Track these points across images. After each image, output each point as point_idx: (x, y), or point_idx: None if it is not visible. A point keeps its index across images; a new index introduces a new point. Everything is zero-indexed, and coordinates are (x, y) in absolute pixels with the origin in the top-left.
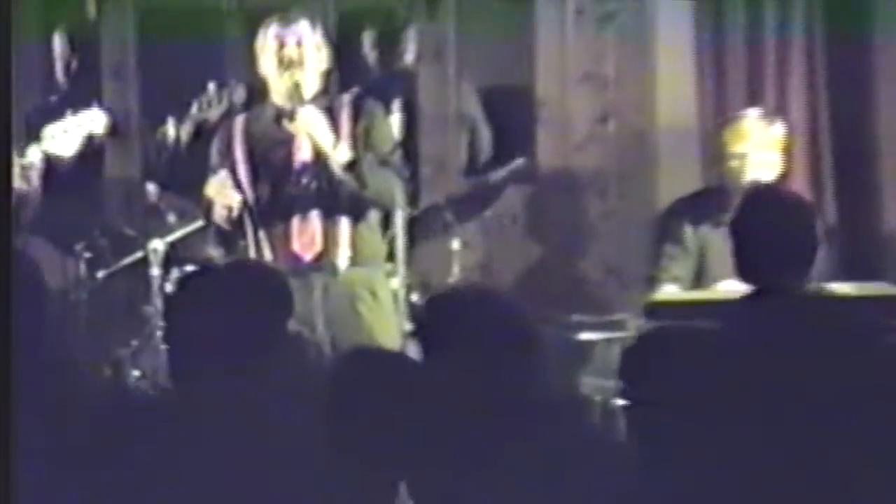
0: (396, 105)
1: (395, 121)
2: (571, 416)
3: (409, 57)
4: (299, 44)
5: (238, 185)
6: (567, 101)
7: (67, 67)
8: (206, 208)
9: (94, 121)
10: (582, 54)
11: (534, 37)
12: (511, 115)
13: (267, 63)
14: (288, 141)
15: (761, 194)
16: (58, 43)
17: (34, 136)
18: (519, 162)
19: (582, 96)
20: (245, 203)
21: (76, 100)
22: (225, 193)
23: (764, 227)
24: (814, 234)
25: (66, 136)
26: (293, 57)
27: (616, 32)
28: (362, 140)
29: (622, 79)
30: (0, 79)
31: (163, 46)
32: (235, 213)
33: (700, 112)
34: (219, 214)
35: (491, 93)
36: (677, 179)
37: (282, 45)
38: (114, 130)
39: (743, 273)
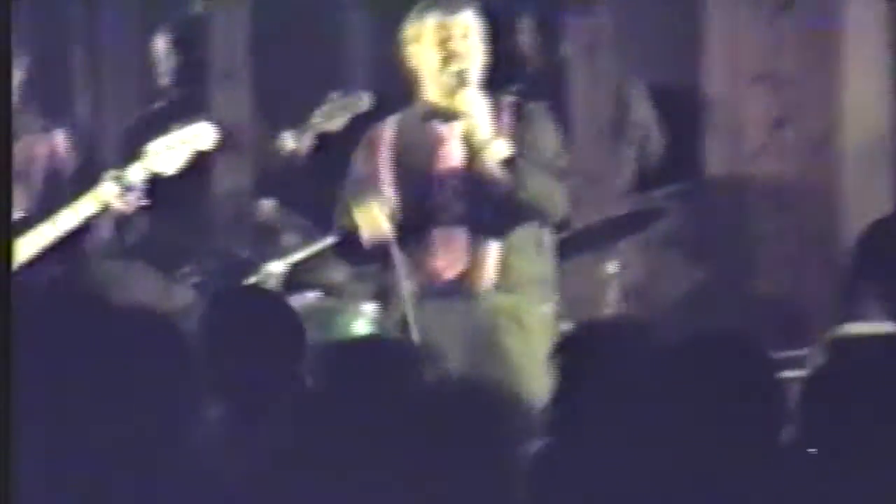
0: (550, 106)
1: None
2: (743, 464)
3: (567, 50)
4: (465, 35)
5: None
6: (739, 104)
7: (171, 71)
8: (348, 232)
9: (201, 136)
10: (756, 49)
11: (701, 29)
12: (674, 119)
13: (424, 55)
14: (437, 145)
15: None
16: (161, 43)
17: (134, 146)
18: (688, 181)
19: (756, 98)
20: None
21: (182, 107)
22: (376, 225)
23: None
24: None
25: (171, 152)
26: (459, 50)
27: (795, 23)
28: (524, 144)
29: (802, 77)
30: (0, 76)
31: (279, 46)
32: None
33: (894, 116)
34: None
35: (651, 93)
36: (866, 195)
37: (446, 37)
38: (223, 146)
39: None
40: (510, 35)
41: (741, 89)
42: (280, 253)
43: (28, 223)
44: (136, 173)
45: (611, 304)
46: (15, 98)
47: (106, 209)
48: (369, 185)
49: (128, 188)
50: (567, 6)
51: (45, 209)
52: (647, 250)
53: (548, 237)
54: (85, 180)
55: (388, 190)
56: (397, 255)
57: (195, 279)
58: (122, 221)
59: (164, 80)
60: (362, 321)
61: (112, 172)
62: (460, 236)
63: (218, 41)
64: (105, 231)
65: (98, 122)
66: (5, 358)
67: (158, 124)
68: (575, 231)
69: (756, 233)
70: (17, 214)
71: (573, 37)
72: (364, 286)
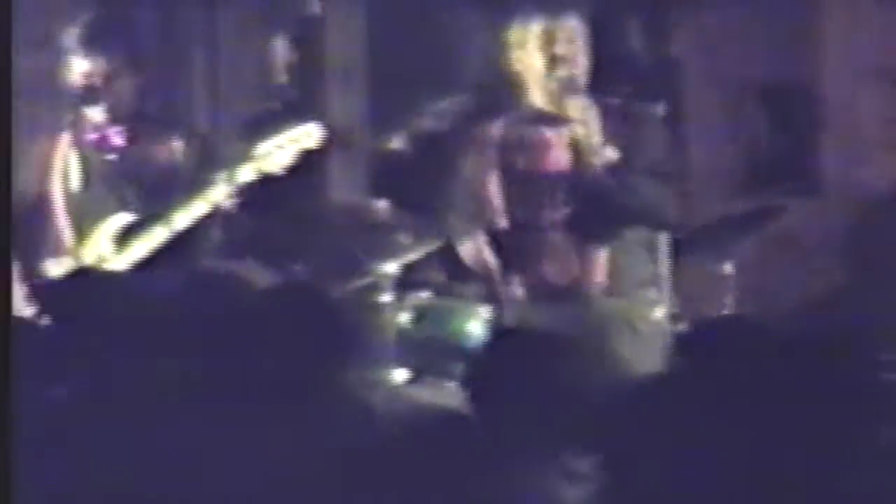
0: (660, 107)
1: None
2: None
3: (675, 49)
4: (571, 40)
5: (492, 238)
6: (856, 100)
7: (287, 71)
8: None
9: (309, 135)
10: (874, 44)
11: (817, 24)
12: (789, 117)
13: (529, 60)
14: (544, 149)
15: None
16: (277, 43)
17: (249, 144)
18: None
19: (874, 94)
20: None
21: (297, 106)
22: (481, 262)
23: None
24: None
25: (280, 151)
26: (565, 55)
27: None
28: (632, 148)
29: None
30: (0, 79)
31: (395, 46)
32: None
33: None
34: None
35: (766, 91)
36: None
37: (551, 42)
38: (333, 144)
39: None
40: (618, 36)
41: (859, 86)
42: (393, 253)
43: (143, 225)
44: (246, 174)
45: (727, 305)
46: (134, 98)
47: (217, 210)
48: (476, 190)
49: (238, 189)
50: (677, 4)
51: (160, 210)
52: (764, 250)
53: (661, 239)
54: (201, 181)
55: (495, 193)
56: (503, 291)
57: (307, 279)
58: (232, 221)
59: (280, 79)
60: (476, 321)
61: (223, 174)
62: (570, 242)
63: (334, 41)
64: (216, 231)
65: (216, 124)
66: (5, 358)
67: (273, 123)
68: (690, 231)
69: (873, 231)
70: (131, 216)
71: (683, 35)
72: (475, 287)
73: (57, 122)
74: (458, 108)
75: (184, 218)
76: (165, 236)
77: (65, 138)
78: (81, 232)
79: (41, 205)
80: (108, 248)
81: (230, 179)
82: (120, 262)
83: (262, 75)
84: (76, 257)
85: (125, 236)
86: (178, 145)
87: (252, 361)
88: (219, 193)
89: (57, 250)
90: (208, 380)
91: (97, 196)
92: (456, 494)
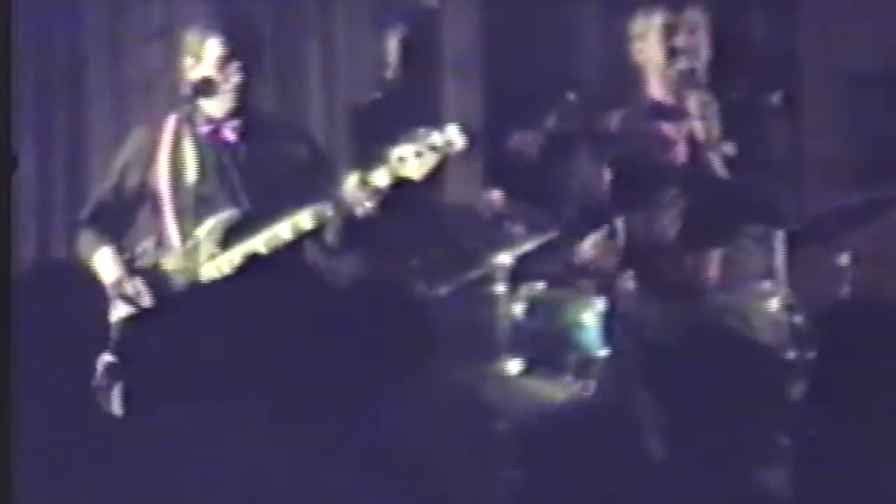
0: (776, 98)
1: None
2: None
3: (795, 41)
4: (692, 31)
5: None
6: None
7: (399, 65)
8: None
9: (450, 143)
10: None
11: None
12: None
13: (649, 51)
14: (663, 143)
15: None
16: (393, 36)
17: (358, 137)
18: None
19: None
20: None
21: (411, 103)
22: (607, 254)
23: None
24: None
25: (419, 158)
26: (686, 47)
27: None
28: (752, 142)
29: None
30: (1, 78)
31: (512, 39)
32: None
33: None
34: (594, 265)
35: (885, 83)
36: None
37: (671, 34)
38: (470, 149)
39: None
40: (739, 29)
41: None
42: (507, 244)
43: (262, 222)
44: (381, 178)
45: (844, 297)
46: (249, 93)
47: (343, 211)
48: (591, 183)
49: (372, 192)
50: None
51: (274, 207)
52: (880, 241)
53: (777, 232)
54: (318, 177)
55: (610, 186)
56: (627, 284)
57: (424, 272)
58: (353, 220)
59: (392, 73)
60: (591, 312)
61: (355, 175)
62: (684, 236)
63: (448, 36)
64: (334, 232)
65: (330, 121)
66: (5, 357)
67: (382, 117)
68: (807, 222)
69: None
70: (241, 212)
71: (803, 28)
72: (590, 279)
73: (170, 113)
74: (579, 103)
75: (308, 218)
76: (289, 235)
77: (176, 130)
78: (189, 225)
79: (148, 196)
80: (217, 243)
81: (363, 182)
82: (232, 258)
83: (377, 69)
84: (183, 251)
85: (239, 232)
86: (291, 142)
87: (364, 355)
88: (348, 195)
89: (163, 242)
90: (312, 374)
91: (208, 190)
92: (580, 486)
